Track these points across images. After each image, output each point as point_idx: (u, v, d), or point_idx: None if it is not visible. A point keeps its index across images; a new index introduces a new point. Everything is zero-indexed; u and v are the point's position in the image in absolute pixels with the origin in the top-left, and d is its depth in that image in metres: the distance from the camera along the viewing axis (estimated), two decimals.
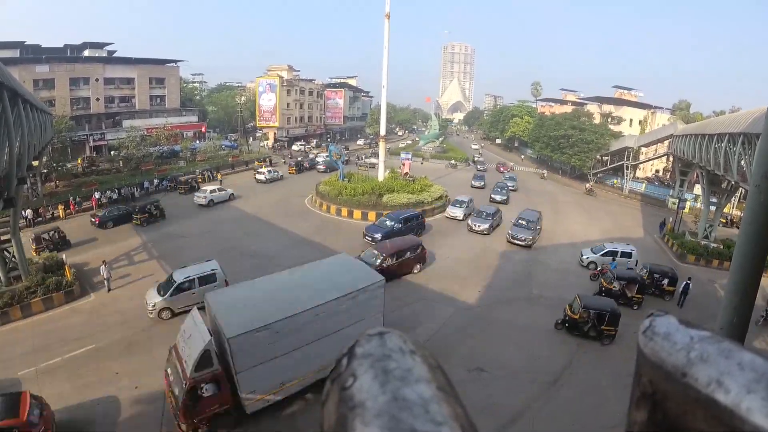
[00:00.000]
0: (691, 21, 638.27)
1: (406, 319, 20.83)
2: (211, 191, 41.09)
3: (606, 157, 65.20)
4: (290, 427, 14.06)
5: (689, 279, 25.54)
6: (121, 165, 50.59)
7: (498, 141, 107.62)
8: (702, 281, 29.04)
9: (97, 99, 58.69)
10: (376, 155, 55.37)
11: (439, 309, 22.24)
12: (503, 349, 19.14)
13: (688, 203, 47.75)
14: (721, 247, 34.23)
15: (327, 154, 54.19)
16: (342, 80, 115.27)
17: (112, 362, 16.80)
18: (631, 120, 74.11)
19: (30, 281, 21.31)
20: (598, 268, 28.12)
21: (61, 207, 35.42)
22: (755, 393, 0.42)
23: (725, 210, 41.66)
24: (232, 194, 41.93)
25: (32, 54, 54.74)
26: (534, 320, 21.80)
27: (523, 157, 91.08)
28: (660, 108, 78.35)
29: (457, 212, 38.30)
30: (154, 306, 19.87)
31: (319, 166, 58.69)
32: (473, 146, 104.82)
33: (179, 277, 20.66)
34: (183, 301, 20.08)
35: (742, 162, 26.67)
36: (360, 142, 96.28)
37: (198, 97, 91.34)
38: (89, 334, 18.56)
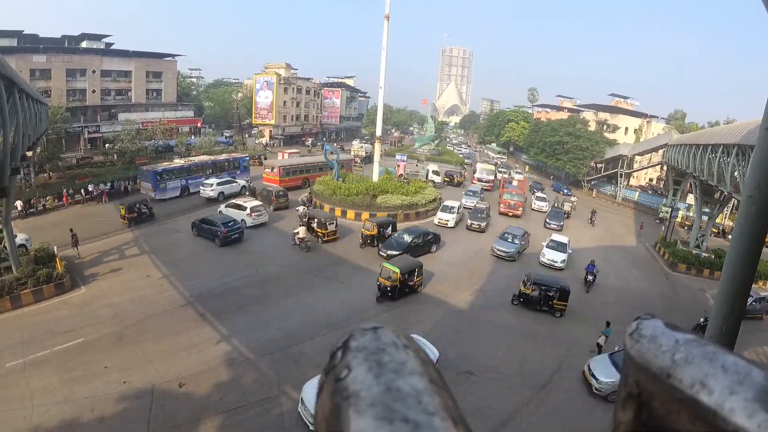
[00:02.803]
0: (689, 33, 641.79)
1: (397, 321, 20.87)
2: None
3: (600, 165, 65.57)
4: (278, 427, 14.06)
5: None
6: (116, 158, 50.41)
7: (494, 145, 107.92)
8: (693, 290, 29.26)
9: (94, 91, 58.27)
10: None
11: (430, 311, 22.29)
12: (494, 353, 19.18)
13: (680, 213, 48.05)
14: (713, 256, 34.45)
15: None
16: (339, 80, 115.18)
17: (101, 356, 16.72)
18: (626, 128, 74.53)
19: (21, 272, 21.18)
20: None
21: (53, 198, 35.27)
22: (738, 394, 0.42)
23: (717, 220, 41.98)
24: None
25: (30, 43, 54.39)
26: (525, 324, 21.87)
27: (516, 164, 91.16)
28: (655, 117, 78.90)
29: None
30: None
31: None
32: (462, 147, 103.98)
33: None
34: None
35: (736, 173, 26.88)
36: (355, 143, 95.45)
37: (195, 93, 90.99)
38: (79, 327, 18.46)
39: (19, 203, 31.96)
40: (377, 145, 43.91)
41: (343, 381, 0.45)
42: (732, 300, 3.72)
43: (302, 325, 19.70)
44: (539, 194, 52.02)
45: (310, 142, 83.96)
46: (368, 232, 30.00)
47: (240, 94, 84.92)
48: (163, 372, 16.02)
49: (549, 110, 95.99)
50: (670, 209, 43.27)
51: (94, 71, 57.95)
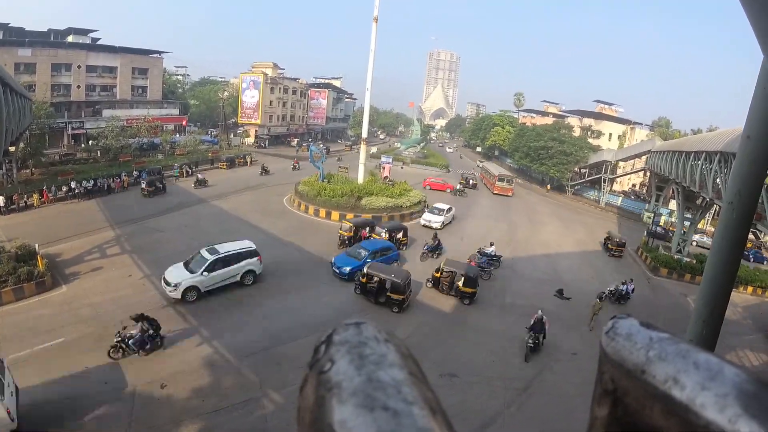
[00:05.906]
0: (674, 42, 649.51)
1: (380, 323, 20.84)
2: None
3: (584, 170, 66.15)
4: (261, 429, 13.99)
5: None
6: (99, 155, 49.88)
7: (478, 149, 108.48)
8: (674, 294, 29.59)
9: (78, 86, 57.72)
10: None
11: (412, 313, 22.33)
12: (476, 355, 19.27)
13: (663, 218, 48.62)
14: (694, 261, 34.88)
15: None
16: (326, 81, 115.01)
17: (82, 356, 16.49)
18: (610, 134, 75.35)
19: (1, 270, 20.83)
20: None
21: (35, 195, 34.76)
22: (709, 390, 0.44)
23: (699, 226, 42.53)
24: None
25: (15, 36, 53.91)
26: (507, 327, 21.98)
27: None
28: (639, 124, 79.85)
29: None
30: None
31: None
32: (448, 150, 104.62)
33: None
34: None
35: (718, 180, 27.25)
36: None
37: (180, 90, 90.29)
38: (60, 327, 18.20)
39: (0, 199, 31.48)
40: (363, 147, 43.96)
41: (326, 374, 0.46)
42: (712, 304, 3.79)
43: (285, 326, 19.64)
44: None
45: (296, 142, 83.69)
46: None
47: (226, 93, 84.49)
48: (144, 373, 15.87)
49: (534, 115, 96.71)
50: (653, 215, 43.83)
51: (79, 66, 57.41)
